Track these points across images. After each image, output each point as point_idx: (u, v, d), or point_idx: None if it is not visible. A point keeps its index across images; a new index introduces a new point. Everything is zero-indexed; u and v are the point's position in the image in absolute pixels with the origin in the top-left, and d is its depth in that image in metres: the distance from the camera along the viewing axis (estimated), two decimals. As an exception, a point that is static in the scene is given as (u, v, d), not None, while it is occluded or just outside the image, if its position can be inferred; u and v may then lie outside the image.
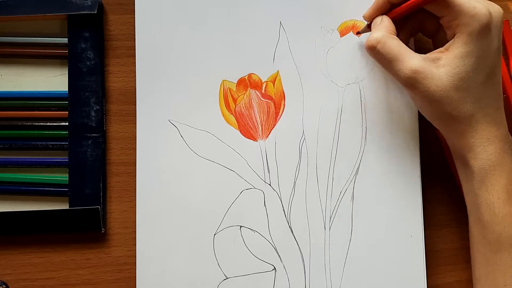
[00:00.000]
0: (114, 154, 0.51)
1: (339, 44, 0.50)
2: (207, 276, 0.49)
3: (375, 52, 0.45)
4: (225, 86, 0.50)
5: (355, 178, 0.50)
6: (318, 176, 0.50)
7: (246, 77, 0.50)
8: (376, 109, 0.50)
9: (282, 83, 0.50)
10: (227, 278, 0.49)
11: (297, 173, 0.50)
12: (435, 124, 0.47)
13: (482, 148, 0.45)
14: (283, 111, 0.50)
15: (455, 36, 0.44)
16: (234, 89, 0.50)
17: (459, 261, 0.51)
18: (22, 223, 0.49)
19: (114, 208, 0.51)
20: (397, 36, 0.46)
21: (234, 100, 0.50)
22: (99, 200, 0.49)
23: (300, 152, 0.50)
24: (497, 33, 0.44)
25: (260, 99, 0.50)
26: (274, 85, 0.50)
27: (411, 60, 0.44)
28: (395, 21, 0.47)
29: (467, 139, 0.45)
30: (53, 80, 0.51)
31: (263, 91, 0.50)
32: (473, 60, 0.43)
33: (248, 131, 0.50)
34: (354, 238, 0.49)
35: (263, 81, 0.50)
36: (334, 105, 0.50)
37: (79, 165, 0.49)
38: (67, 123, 0.50)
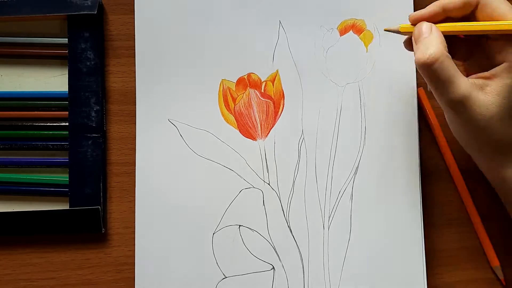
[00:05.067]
0: (114, 154, 0.51)
1: (338, 43, 0.50)
2: (205, 276, 0.48)
3: (430, 70, 0.40)
4: (224, 85, 0.50)
5: (354, 178, 0.50)
6: (317, 176, 0.50)
7: (245, 77, 0.50)
8: (376, 109, 0.50)
9: (282, 83, 0.50)
10: (226, 278, 0.49)
11: (296, 173, 0.50)
12: (472, 153, 0.45)
13: None
14: (282, 110, 0.50)
15: (506, 64, 0.41)
16: (234, 89, 0.50)
17: (459, 261, 0.51)
18: (22, 223, 0.49)
19: (114, 208, 0.50)
20: None
21: (234, 100, 0.50)
22: (99, 200, 0.49)
23: (299, 152, 0.50)
24: None
25: (259, 98, 0.50)
26: (273, 85, 0.50)
27: (461, 84, 0.40)
28: None
29: (508, 167, 0.43)
30: (53, 80, 0.51)
31: (262, 91, 0.50)
32: None
33: (247, 131, 0.50)
34: (353, 237, 0.49)
35: (262, 81, 0.50)
36: (333, 104, 0.50)
37: (79, 165, 0.50)
38: (67, 123, 0.50)
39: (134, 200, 0.49)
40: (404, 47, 0.46)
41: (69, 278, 0.50)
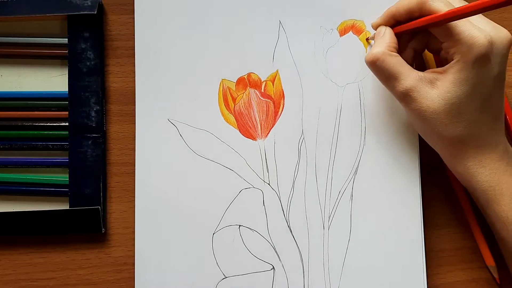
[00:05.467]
0: (114, 154, 0.51)
1: (338, 44, 0.50)
2: (205, 276, 0.48)
3: (374, 67, 0.46)
4: (224, 85, 0.50)
5: (354, 178, 0.50)
6: (317, 176, 0.50)
7: (245, 76, 0.50)
8: (375, 109, 0.50)
9: (282, 83, 0.50)
10: (226, 278, 0.49)
11: (296, 173, 0.50)
12: (429, 143, 0.48)
13: (475, 170, 0.45)
14: (282, 110, 0.50)
15: (452, 61, 0.43)
16: (234, 88, 0.50)
17: (459, 261, 0.51)
18: (22, 223, 0.49)
19: (114, 208, 0.51)
20: (403, 51, 0.47)
21: (234, 99, 0.50)
22: (99, 200, 0.49)
23: (299, 152, 0.50)
24: (499, 60, 0.43)
25: (259, 98, 0.50)
26: (273, 85, 0.50)
27: (407, 78, 0.44)
28: (400, 35, 0.47)
29: (459, 161, 0.45)
30: (53, 80, 0.51)
31: (262, 91, 0.50)
32: (467, 88, 0.43)
33: (247, 131, 0.50)
34: (353, 237, 0.49)
35: (262, 81, 0.50)
36: (333, 104, 0.50)
37: (79, 165, 0.50)
38: (67, 123, 0.50)
39: (134, 200, 0.49)
40: None
41: (69, 278, 0.50)
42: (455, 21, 0.42)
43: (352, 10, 0.51)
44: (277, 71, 0.50)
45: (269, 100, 0.50)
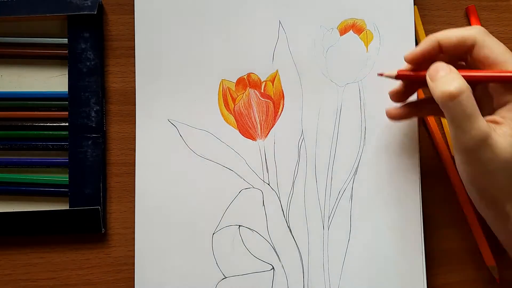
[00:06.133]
0: (114, 154, 0.51)
1: (338, 43, 0.50)
2: (205, 276, 0.48)
3: (455, 102, 0.38)
4: (224, 85, 0.50)
5: (354, 178, 0.50)
6: (317, 176, 0.50)
7: (245, 77, 0.50)
8: (376, 109, 0.50)
9: (281, 83, 0.50)
10: (226, 278, 0.49)
11: (296, 173, 0.50)
12: (483, 203, 0.42)
13: None
14: (282, 110, 0.50)
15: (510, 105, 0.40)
16: (233, 89, 0.50)
17: (459, 262, 0.51)
18: (22, 223, 0.49)
19: (114, 209, 0.51)
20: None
21: (233, 100, 0.50)
22: (99, 200, 0.49)
23: (299, 152, 0.50)
24: None
25: (259, 98, 0.50)
26: (273, 85, 0.50)
27: (482, 122, 0.38)
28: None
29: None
30: (53, 80, 0.51)
31: (262, 91, 0.50)
32: None
33: (247, 131, 0.50)
34: (353, 237, 0.49)
35: (262, 81, 0.50)
36: (333, 104, 0.50)
37: (79, 166, 0.50)
38: (67, 124, 0.50)
39: (134, 200, 0.49)
40: (390, 97, 0.47)
41: (69, 278, 0.50)
42: None
43: (352, 9, 0.51)
44: (276, 71, 0.50)
45: (269, 100, 0.50)
